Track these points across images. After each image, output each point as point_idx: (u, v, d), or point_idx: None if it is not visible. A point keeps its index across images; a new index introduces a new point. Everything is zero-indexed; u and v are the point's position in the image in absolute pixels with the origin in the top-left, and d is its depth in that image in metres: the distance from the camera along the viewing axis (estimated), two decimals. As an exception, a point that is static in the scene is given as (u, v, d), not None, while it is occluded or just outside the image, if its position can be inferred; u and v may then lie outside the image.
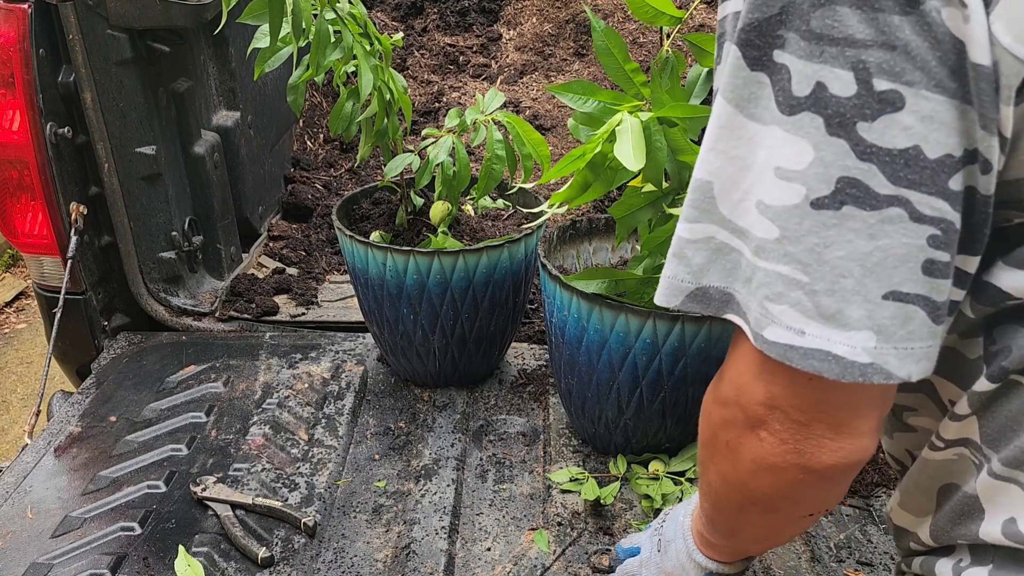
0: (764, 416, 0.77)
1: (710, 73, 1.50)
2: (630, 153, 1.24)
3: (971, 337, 0.78)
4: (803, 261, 0.68)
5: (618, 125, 1.28)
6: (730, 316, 0.76)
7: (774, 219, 0.70)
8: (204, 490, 1.57)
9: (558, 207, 1.46)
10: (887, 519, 0.98)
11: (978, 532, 0.78)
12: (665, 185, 1.41)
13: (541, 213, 1.49)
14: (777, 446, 0.78)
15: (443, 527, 1.53)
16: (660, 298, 0.81)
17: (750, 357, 0.77)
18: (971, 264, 0.72)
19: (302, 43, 1.59)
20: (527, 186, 1.79)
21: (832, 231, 0.67)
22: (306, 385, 1.91)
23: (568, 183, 1.40)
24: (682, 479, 1.61)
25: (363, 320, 1.99)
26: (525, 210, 1.99)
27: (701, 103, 1.49)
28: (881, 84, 0.64)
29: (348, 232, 1.80)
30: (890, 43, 0.64)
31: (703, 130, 1.36)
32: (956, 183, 0.66)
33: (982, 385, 0.75)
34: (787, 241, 0.69)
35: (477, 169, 1.93)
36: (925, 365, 0.69)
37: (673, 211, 1.37)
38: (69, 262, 1.95)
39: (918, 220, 0.66)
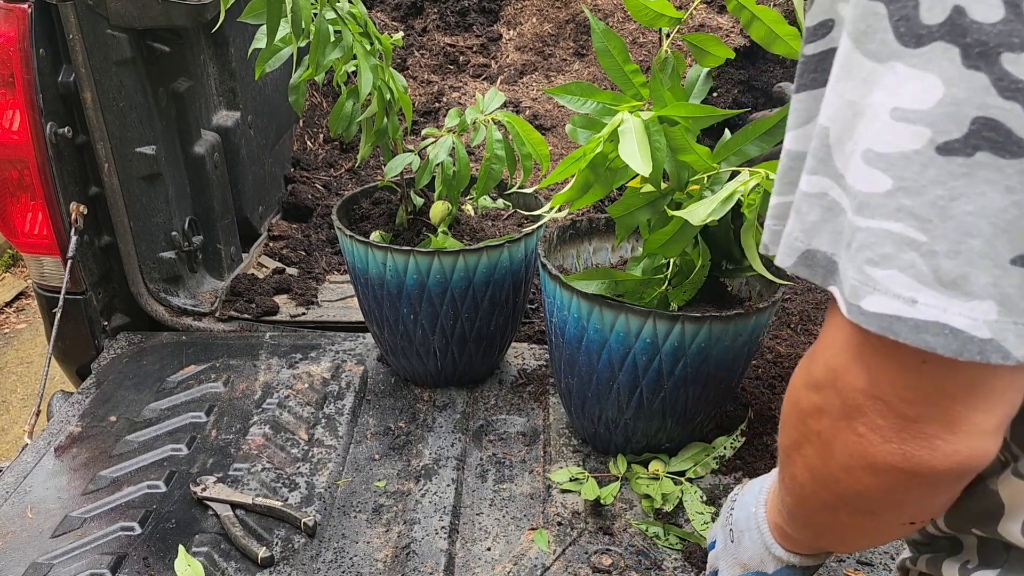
0: (864, 406, 0.67)
1: (709, 73, 1.50)
2: (636, 155, 1.23)
3: None
4: (922, 216, 0.58)
5: (620, 125, 1.28)
6: (832, 289, 0.66)
7: (886, 168, 0.59)
8: (204, 490, 1.57)
9: (558, 210, 1.46)
10: None
11: (997, 528, 0.72)
12: (664, 185, 1.41)
13: (542, 215, 1.49)
14: (878, 444, 0.66)
15: (443, 527, 1.53)
16: (778, 257, 0.71)
17: (847, 334, 0.66)
18: None
19: (302, 43, 1.59)
20: (527, 190, 1.79)
21: (961, 181, 0.57)
22: (306, 385, 1.91)
23: (569, 184, 1.40)
24: (682, 479, 1.61)
25: (363, 320, 1.99)
26: (526, 212, 1.99)
27: (701, 103, 1.49)
28: None
29: (348, 232, 1.80)
30: None
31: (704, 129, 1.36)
32: None
33: None
34: (902, 193, 0.59)
35: (477, 169, 1.93)
36: None
37: (673, 212, 1.37)
38: (69, 262, 1.95)
39: None
